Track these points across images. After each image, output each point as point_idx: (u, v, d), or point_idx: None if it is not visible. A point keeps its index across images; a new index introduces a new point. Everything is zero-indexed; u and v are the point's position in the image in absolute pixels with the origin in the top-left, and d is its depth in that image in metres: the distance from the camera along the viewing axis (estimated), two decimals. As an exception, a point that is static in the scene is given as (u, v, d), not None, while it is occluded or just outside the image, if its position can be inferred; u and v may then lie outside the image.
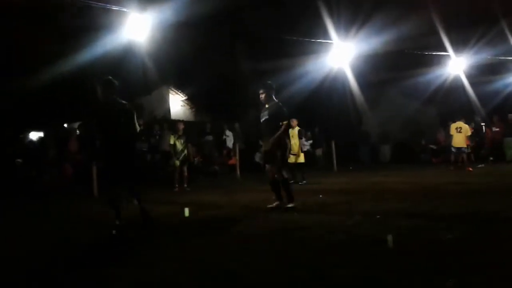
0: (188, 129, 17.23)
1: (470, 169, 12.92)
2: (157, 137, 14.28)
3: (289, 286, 3.23)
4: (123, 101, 5.85)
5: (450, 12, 14.80)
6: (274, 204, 6.97)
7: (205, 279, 3.47)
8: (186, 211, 6.58)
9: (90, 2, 9.24)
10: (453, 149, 13.43)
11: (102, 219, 7.20)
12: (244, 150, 15.99)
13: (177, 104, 20.58)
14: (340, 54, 13.97)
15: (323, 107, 19.56)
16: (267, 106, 7.26)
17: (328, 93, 18.91)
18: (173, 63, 16.60)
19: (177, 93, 20.37)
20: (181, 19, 11.29)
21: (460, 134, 13.13)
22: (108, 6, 9.56)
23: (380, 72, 18.90)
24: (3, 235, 6.05)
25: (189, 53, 16.46)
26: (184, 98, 20.72)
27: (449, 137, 17.66)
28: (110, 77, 5.91)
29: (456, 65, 16.59)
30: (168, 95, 19.98)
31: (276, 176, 6.87)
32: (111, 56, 11.78)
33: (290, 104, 17.77)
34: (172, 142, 11.29)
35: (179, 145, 11.27)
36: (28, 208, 9.06)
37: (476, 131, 17.15)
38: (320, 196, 8.33)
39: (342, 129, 19.27)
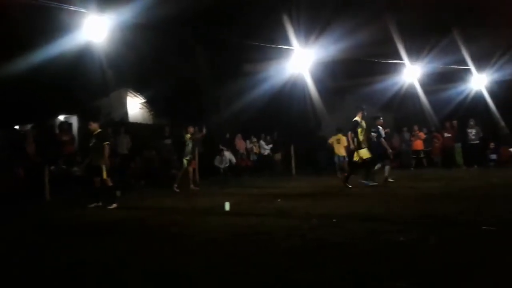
0: (147, 132, 17.06)
1: (346, 174, 13.91)
2: (112, 139, 14.01)
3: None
4: None
5: (405, 21, 15.35)
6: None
7: (163, 285, 3.43)
8: (227, 205, 6.84)
9: (47, 1, 8.96)
10: (336, 158, 14.84)
11: (54, 222, 7.04)
12: (203, 154, 15.89)
13: (135, 107, 20.24)
14: (300, 61, 14.19)
15: (283, 112, 19.77)
16: None
17: (288, 98, 19.14)
18: (132, 66, 16.33)
19: (135, 96, 20.04)
20: (140, 22, 11.15)
21: (339, 144, 14.63)
22: (66, 6, 9.31)
23: (339, 79, 19.34)
24: None
25: (148, 56, 16.26)
26: (143, 101, 20.41)
27: (405, 142, 18.33)
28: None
29: (410, 73, 17.19)
30: (127, 98, 19.63)
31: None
32: (68, 57, 11.49)
33: (251, 109, 18.02)
34: (188, 142, 11.83)
35: (189, 147, 11.83)
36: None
37: (430, 137, 17.86)
38: (279, 200, 8.41)
39: (301, 134, 19.53)
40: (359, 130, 10.68)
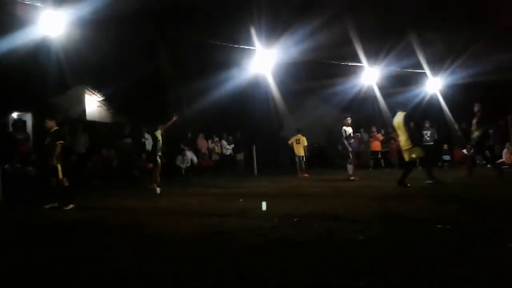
0: (105, 131, 16.67)
1: (306, 175, 14.63)
2: (68, 137, 13.61)
3: (208, 291, 3.22)
4: None
5: (364, 24, 15.73)
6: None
7: (121, 285, 3.36)
8: (264, 205, 6.74)
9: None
10: (296, 158, 15.24)
11: (7, 224, 6.79)
12: (164, 153, 15.69)
13: (93, 104, 19.75)
14: (262, 61, 14.26)
15: (245, 112, 19.83)
16: None
17: (251, 99, 19.22)
18: (90, 63, 15.92)
19: (93, 94, 19.56)
20: (99, 17, 10.88)
21: (299, 144, 15.11)
22: (20, 0, 8.97)
23: (300, 80, 19.57)
24: None
25: (108, 53, 15.90)
26: (101, 98, 19.94)
27: (364, 143, 18.77)
28: None
29: (369, 76, 17.62)
30: (84, 95, 19.12)
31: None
32: (23, 52, 11.07)
33: (213, 109, 17.95)
34: (159, 137, 11.75)
35: (160, 143, 11.83)
36: None
37: (387, 139, 18.37)
38: (241, 200, 8.41)
39: (264, 135, 19.64)
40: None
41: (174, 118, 12.09)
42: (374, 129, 18.68)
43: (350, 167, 12.08)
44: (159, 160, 11.80)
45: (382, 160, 18.42)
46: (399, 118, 10.06)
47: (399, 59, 17.10)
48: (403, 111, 10.15)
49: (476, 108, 10.89)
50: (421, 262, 3.70)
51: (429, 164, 10.50)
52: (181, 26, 16.64)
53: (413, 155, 9.81)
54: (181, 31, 16.25)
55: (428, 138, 17.25)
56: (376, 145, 18.49)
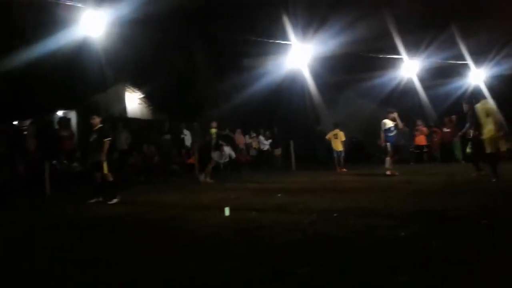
0: (146, 128, 17.04)
1: (344, 169, 14.53)
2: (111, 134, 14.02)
3: (248, 285, 3.25)
4: None
5: (403, 15, 15.33)
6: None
7: (164, 281, 3.44)
8: (227, 211, 6.30)
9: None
10: (334, 153, 15.03)
11: (54, 218, 7.06)
12: (202, 148, 15.89)
13: (134, 102, 20.21)
14: (298, 56, 14.18)
15: (282, 107, 19.78)
16: None
17: (287, 93, 19.15)
18: (130, 61, 16.29)
19: (134, 91, 20.00)
20: (138, 16, 11.11)
21: (337, 139, 14.95)
22: (63, 1, 9.28)
23: (337, 73, 19.32)
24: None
25: (147, 51, 16.22)
26: (141, 96, 20.37)
27: (404, 137, 18.33)
28: None
29: (409, 68, 17.19)
30: (125, 93, 19.58)
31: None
32: (66, 52, 11.45)
33: (250, 104, 18.01)
34: (214, 136, 12.64)
35: (215, 140, 12.69)
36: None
37: (429, 132, 17.87)
38: (279, 195, 8.42)
39: (301, 129, 19.55)
40: None
41: (231, 134, 13.52)
42: (419, 122, 18.06)
43: (388, 161, 11.88)
44: (214, 156, 12.68)
45: (425, 155, 17.87)
46: (488, 105, 9.54)
47: (440, 50, 16.56)
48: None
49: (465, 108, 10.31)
50: (464, 258, 3.60)
51: (477, 157, 10.02)
52: (217, 22, 16.76)
53: (500, 147, 9.19)
54: (217, 27, 16.38)
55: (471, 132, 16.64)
56: (421, 139, 17.91)
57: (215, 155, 16.71)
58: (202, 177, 12.24)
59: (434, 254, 3.78)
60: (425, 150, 17.82)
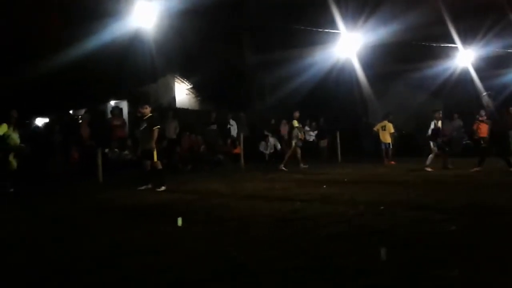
0: (193, 118, 17.32)
1: (392, 162, 14.16)
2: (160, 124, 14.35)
3: (291, 274, 3.25)
4: None
5: (458, 2, 14.65)
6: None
7: (209, 267, 3.50)
8: (179, 221, 5.38)
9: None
10: (382, 145, 14.71)
11: (105, 204, 7.33)
12: (248, 139, 15.99)
13: (182, 92, 20.57)
14: (347, 45, 13.91)
15: (329, 97, 19.49)
16: None
17: (335, 83, 18.84)
18: (179, 52, 16.56)
19: (182, 82, 20.35)
20: (188, 7, 11.26)
21: (385, 131, 14.59)
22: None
23: (387, 63, 18.79)
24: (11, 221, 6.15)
25: (195, 42, 16.42)
26: (189, 86, 20.70)
27: (456, 129, 17.61)
28: None
29: (464, 58, 16.46)
30: (174, 84, 19.96)
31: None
32: (118, 43, 11.78)
33: (297, 95, 17.89)
34: (295, 125, 13.52)
35: (296, 130, 13.48)
36: (35, 193, 9.18)
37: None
38: (324, 186, 8.35)
39: (348, 121, 19.21)
40: None
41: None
42: (483, 112, 17.02)
43: (430, 157, 11.48)
44: (293, 144, 13.42)
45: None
46: None
47: (498, 38, 15.72)
48: None
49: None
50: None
51: None
52: (264, 12, 16.69)
53: None
54: (264, 17, 16.33)
55: None
56: (486, 131, 16.86)
57: (261, 145, 16.82)
58: (301, 165, 13.35)
59: (483, 249, 3.63)
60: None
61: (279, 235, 4.48)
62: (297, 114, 13.59)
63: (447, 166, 11.44)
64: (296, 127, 13.52)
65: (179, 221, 5.21)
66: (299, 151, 13.59)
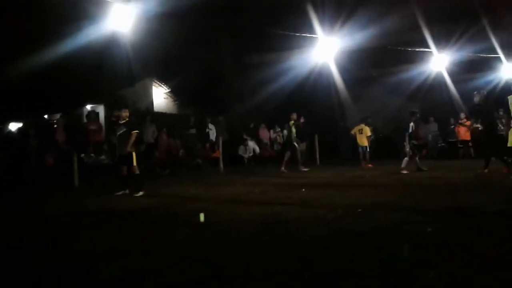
0: (172, 122, 17.22)
1: (370, 165, 14.31)
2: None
3: (275, 277, 3.25)
4: None
5: (432, 8, 14.96)
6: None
7: (191, 271, 3.47)
8: (202, 217, 5.60)
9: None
10: (359, 148, 14.91)
11: (82, 209, 7.19)
12: (227, 143, 15.97)
13: (160, 96, 20.44)
14: (324, 49, 14.01)
15: (307, 101, 19.62)
16: None
17: (313, 88, 18.97)
18: (157, 55, 16.46)
19: (160, 86, 20.22)
20: (165, 11, 11.18)
21: (362, 135, 14.81)
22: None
23: (364, 68, 19.05)
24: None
25: (173, 46, 16.35)
26: (168, 90, 20.57)
27: (431, 132, 17.95)
28: None
29: (438, 62, 16.78)
30: (152, 88, 19.82)
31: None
32: (94, 46, 11.62)
33: (275, 99, 17.97)
34: (292, 129, 13.52)
35: (294, 132, 13.56)
36: (10, 199, 8.95)
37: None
38: (303, 190, 8.38)
39: (325, 124, 19.37)
40: None
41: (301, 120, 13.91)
42: (462, 115, 17.19)
43: (405, 160, 11.65)
44: (296, 145, 13.53)
45: (472, 150, 16.98)
46: None
47: (471, 43, 16.09)
48: None
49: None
50: (492, 255, 3.51)
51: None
52: (242, 16, 16.72)
53: None
54: (242, 20, 16.35)
55: (502, 127, 16.07)
56: (466, 134, 17.02)
57: (240, 149, 16.80)
58: (282, 168, 13.12)
59: (461, 250, 3.70)
60: (470, 145, 16.98)
61: (261, 239, 4.47)
62: (294, 116, 13.66)
63: (421, 168, 11.61)
64: (292, 131, 13.63)
65: (201, 217, 5.36)
66: (288, 154, 13.60)
